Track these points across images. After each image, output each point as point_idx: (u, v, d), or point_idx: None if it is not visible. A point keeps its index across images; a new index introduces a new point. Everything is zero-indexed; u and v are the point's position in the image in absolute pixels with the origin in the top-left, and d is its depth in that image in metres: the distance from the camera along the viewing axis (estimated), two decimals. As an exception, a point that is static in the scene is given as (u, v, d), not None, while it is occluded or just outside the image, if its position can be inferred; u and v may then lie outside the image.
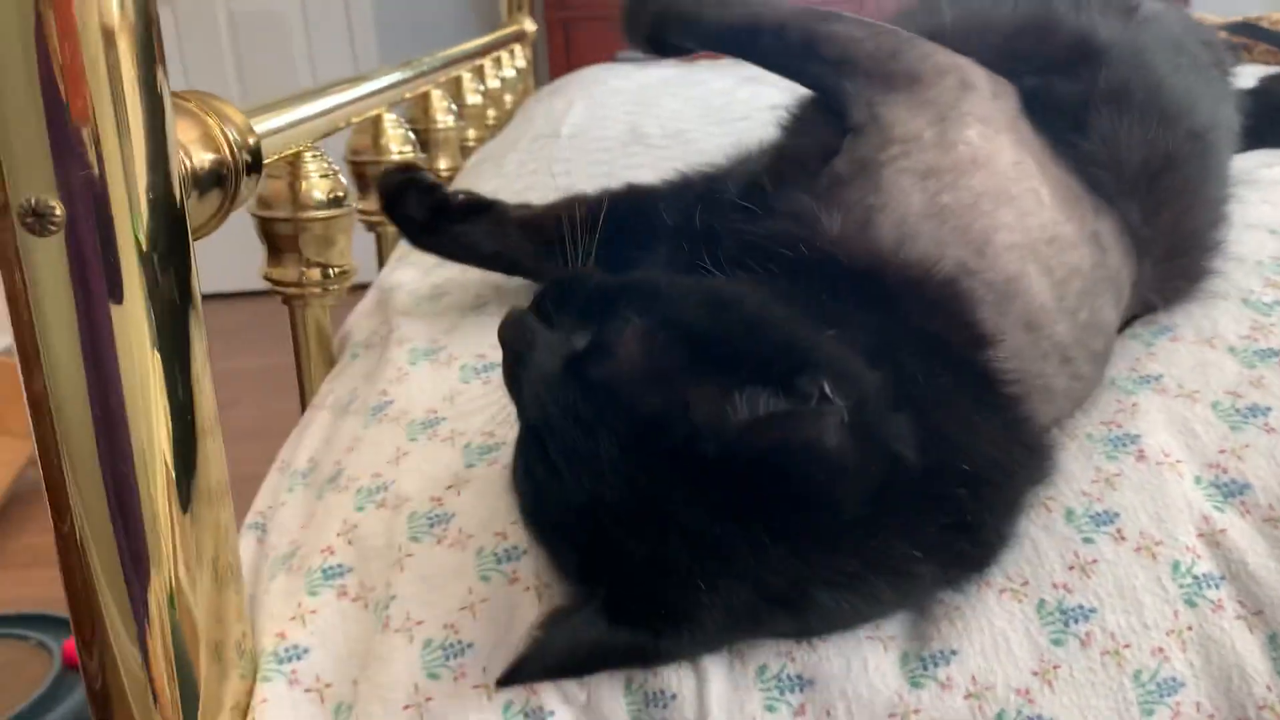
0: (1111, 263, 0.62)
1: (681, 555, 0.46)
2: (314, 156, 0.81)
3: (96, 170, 0.42)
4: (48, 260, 0.43)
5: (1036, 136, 0.64)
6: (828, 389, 0.45)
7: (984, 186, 0.60)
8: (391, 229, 1.16)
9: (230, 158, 0.55)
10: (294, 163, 0.80)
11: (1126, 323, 0.68)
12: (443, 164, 1.44)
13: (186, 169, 0.51)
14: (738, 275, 0.57)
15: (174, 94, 0.53)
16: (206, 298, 0.50)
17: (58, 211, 0.42)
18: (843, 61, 0.68)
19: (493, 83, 1.89)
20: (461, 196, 0.80)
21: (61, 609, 1.63)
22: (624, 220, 0.68)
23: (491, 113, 1.85)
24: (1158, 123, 0.66)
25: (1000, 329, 0.56)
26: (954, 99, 0.64)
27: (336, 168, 0.83)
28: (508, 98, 2.06)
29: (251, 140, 0.58)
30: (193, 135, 0.54)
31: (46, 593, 1.73)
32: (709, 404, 0.46)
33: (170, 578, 0.49)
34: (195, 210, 0.53)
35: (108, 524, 0.47)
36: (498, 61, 2.02)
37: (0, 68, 0.40)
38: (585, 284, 0.55)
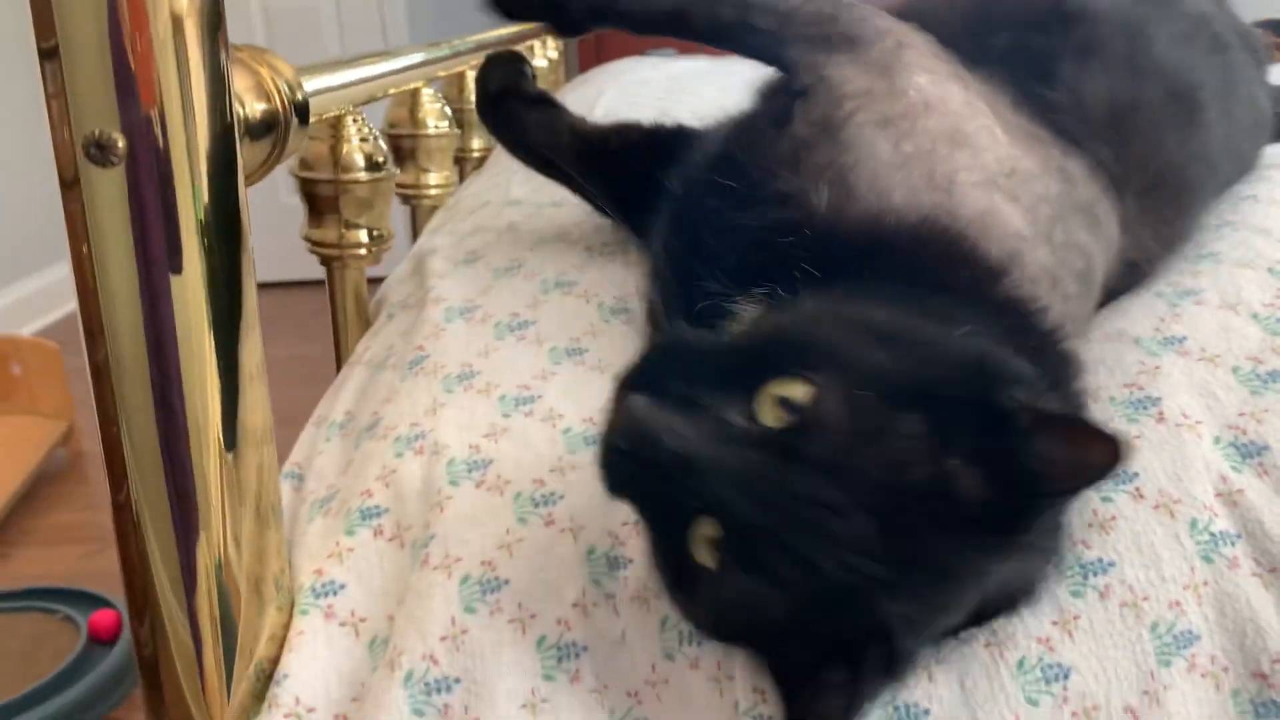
0: (1082, 193, 0.64)
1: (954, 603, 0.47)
2: (355, 121, 0.83)
3: (157, 109, 0.45)
4: (107, 191, 0.45)
5: (988, 86, 0.67)
6: (1025, 397, 0.45)
7: (938, 129, 0.61)
8: (427, 201, 1.19)
9: (281, 108, 0.57)
10: (336, 126, 0.82)
11: (1134, 270, 0.70)
12: (475, 144, 1.46)
13: (240, 116, 0.53)
14: (766, 275, 0.56)
15: (230, 45, 0.56)
16: None
17: (120, 144, 0.44)
18: (781, 30, 0.68)
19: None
20: (536, 90, 0.86)
21: (87, 584, 1.66)
22: (653, 163, 0.71)
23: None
24: (1130, 74, 0.68)
25: (1000, 258, 0.57)
26: (894, 56, 0.66)
27: (376, 134, 0.85)
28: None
29: (300, 95, 0.60)
30: (247, 84, 0.56)
31: (74, 569, 1.78)
32: (962, 470, 0.45)
33: (218, 532, 0.52)
34: (247, 156, 0.55)
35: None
36: (530, 50, 2.04)
37: (69, 12, 0.42)
38: (700, 350, 0.50)
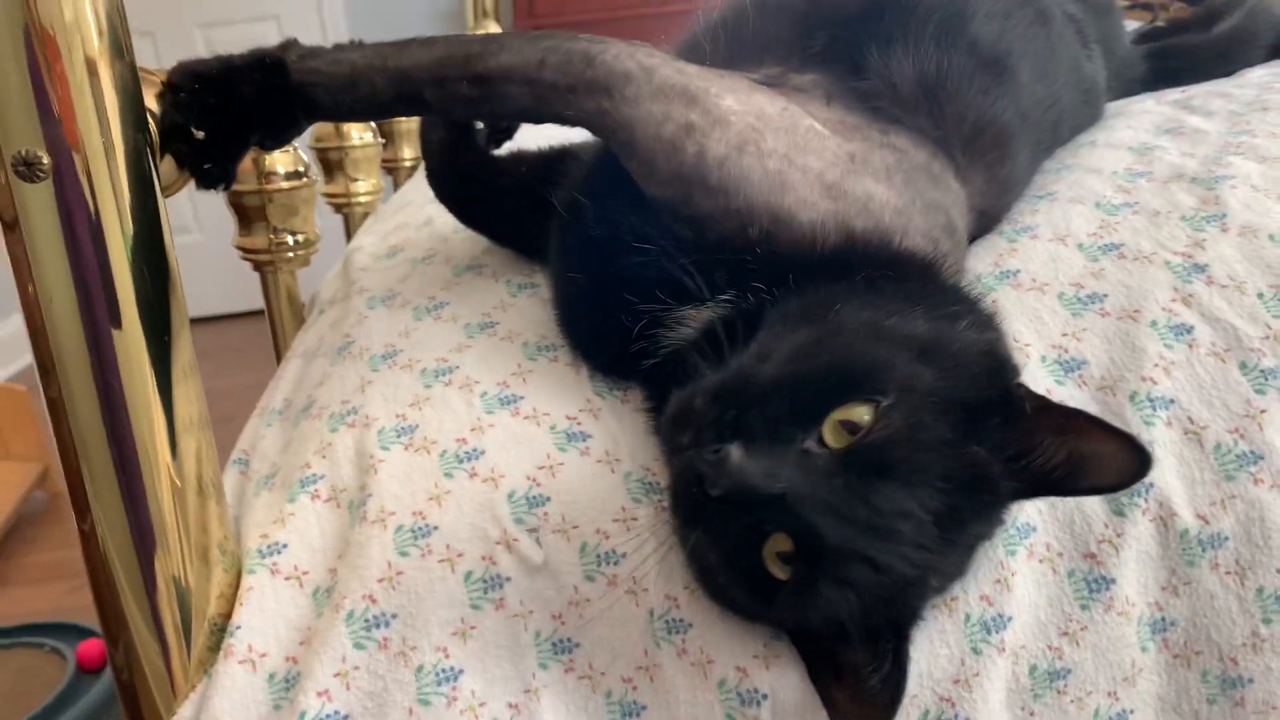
0: (915, 157, 0.69)
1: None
2: (275, 134, 0.89)
3: (75, 126, 0.51)
4: (40, 207, 0.51)
5: (793, 92, 0.70)
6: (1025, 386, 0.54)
7: (780, 144, 0.63)
8: (359, 209, 1.25)
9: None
10: (257, 140, 0.88)
11: (985, 217, 0.77)
12: (407, 154, 1.53)
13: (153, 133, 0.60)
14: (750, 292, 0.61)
15: (145, 69, 0.62)
16: (200, 320, 0.58)
17: (45, 160, 0.50)
18: (536, 94, 0.63)
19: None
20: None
21: (72, 618, 1.70)
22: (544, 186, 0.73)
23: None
24: (936, 50, 0.72)
25: (915, 244, 0.64)
26: (683, 80, 0.63)
27: (295, 145, 0.91)
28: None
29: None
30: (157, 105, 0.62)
31: (58, 604, 1.83)
32: (988, 458, 0.52)
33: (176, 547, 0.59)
34: (166, 169, 0.62)
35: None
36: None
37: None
38: (765, 384, 0.52)
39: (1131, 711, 0.59)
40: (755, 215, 0.61)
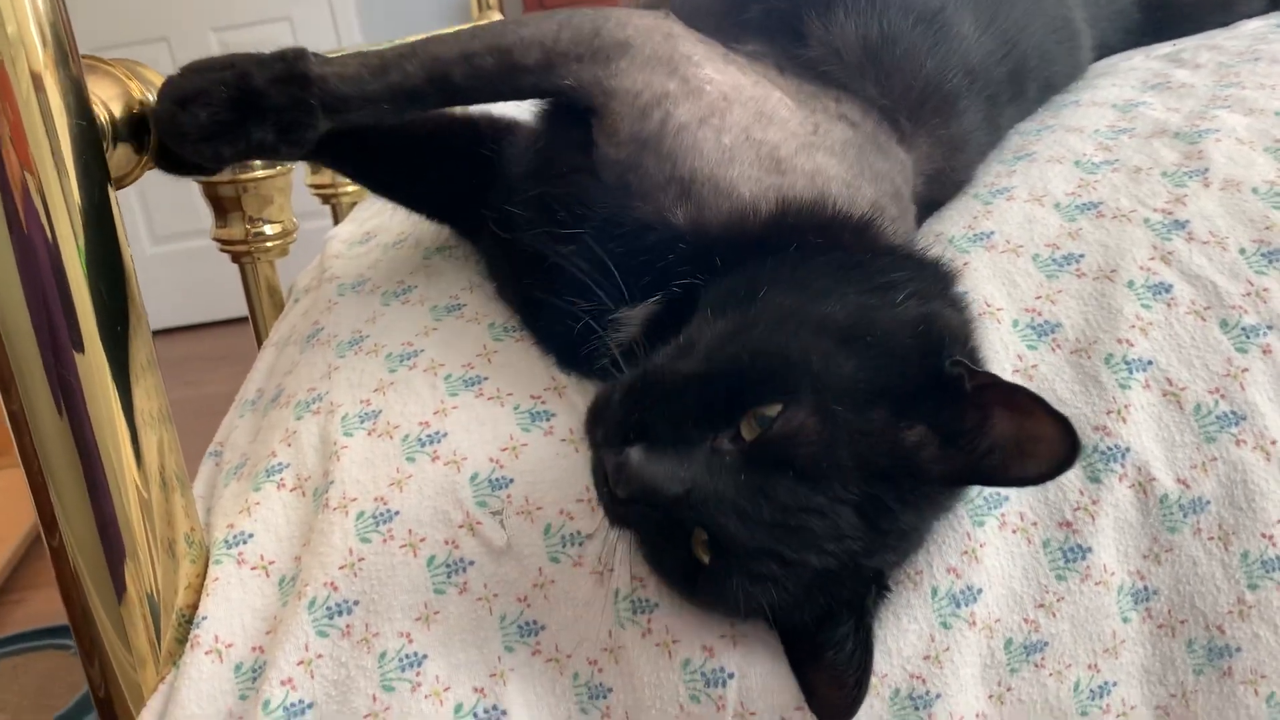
0: (867, 128, 0.69)
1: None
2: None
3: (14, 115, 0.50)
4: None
5: (756, 60, 0.70)
6: (964, 358, 0.52)
7: (744, 115, 0.64)
8: (346, 199, 1.25)
9: (148, 111, 0.63)
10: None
11: (941, 179, 0.76)
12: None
13: (106, 119, 0.59)
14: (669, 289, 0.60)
15: (100, 60, 0.62)
16: (178, 329, 0.58)
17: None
18: (549, 59, 0.66)
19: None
20: None
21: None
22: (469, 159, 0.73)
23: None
24: (873, 11, 0.71)
25: (853, 208, 0.63)
26: (670, 48, 0.66)
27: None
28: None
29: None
30: (111, 92, 0.61)
31: (84, 606, 1.86)
32: (924, 439, 0.51)
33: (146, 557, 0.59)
34: (119, 157, 0.61)
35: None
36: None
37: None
38: (676, 384, 0.52)
39: (1114, 684, 0.58)
40: (696, 185, 0.61)
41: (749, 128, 0.63)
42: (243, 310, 0.97)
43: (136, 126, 0.62)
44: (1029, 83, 0.83)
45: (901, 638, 0.56)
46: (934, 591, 0.56)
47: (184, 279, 3.38)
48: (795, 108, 0.66)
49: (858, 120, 0.69)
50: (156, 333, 0.61)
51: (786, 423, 0.49)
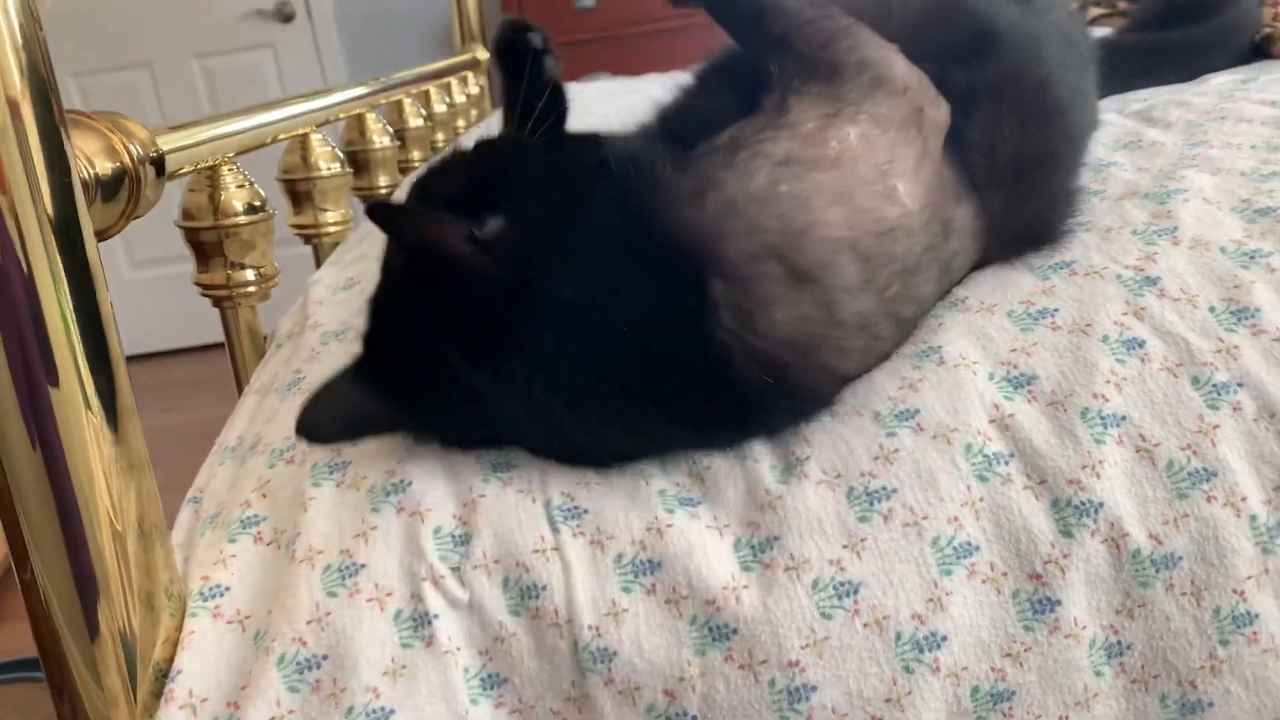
0: (951, 247, 0.68)
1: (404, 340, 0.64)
2: (230, 170, 0.89)
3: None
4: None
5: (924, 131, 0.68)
6: (497, 226, 0.60)
7: (828, 184, 0.62)
8: (327, 240, 1.25)
9: (131, 165, 0.64)
10: (212, 176, 0.88)
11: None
12: (381, 180, 1.53)
13: (90, 175, 0.60)
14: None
15: (82, 113, 0.62)
16: (158, 354, 0.58)
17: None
18: (782, 40, 0.69)
19: (439, 108, 1.99)
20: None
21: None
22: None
23: (440, 135, 1.96)
24: (1036, 119, 0.71)
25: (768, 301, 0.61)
26: (860, 95, 0.66)
27: (252, 179, 0.91)
28: (460, 122, 2.17)
29: (154, 152, 0.67)
30: (95, 147, 0.62)
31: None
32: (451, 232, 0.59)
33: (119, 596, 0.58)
34: (103, 212, 0.61)
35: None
36: (447, 88, 2.12)
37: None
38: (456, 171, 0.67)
39: (1087, 737, 0.58)
40: (697, 196, 0.63)
41: (816, 194, 0.64)
42: (223, 336, 0.97)
43: (119, 181, 0.62)
44: None
45: (864, 680, 0.56)
46: (898, 636, 0.57)
47: (163, 304, 3.37)
48: (906, 200, 0.66)
49: (953, 232, 0.69)
50: (136, 358, 0.61)
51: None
